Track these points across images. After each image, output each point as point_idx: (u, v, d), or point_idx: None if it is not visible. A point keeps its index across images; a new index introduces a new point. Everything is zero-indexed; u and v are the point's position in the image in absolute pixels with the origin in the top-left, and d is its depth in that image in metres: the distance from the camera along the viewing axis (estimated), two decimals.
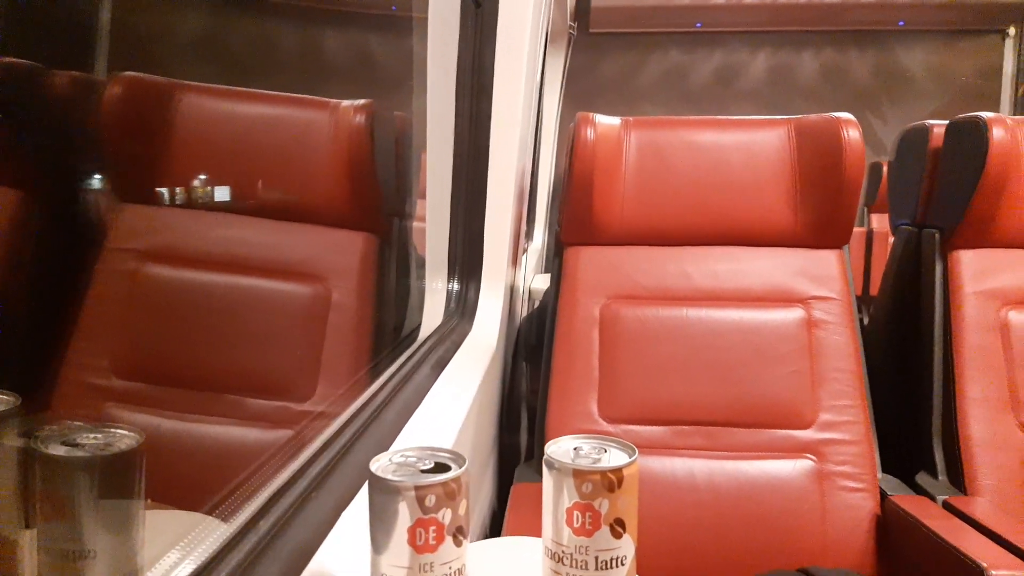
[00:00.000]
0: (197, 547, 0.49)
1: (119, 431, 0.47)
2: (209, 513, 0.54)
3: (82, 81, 0.90)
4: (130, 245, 1.13)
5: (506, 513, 1.15)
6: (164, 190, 1.17)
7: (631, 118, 1.49)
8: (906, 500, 1.23)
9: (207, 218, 1.23)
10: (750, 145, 1.45)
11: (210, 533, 0.50)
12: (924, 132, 1.55)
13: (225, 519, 0.53)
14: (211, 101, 1.24)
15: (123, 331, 1.10)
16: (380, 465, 0.47)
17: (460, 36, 1.36)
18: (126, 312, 1.13)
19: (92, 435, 0.46)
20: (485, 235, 1.43)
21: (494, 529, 1.33)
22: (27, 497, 0.46)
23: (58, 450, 0.45)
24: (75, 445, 0.45)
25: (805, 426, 1.30)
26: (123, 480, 0.46)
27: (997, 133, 1.35)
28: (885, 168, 3.94)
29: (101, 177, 1.01)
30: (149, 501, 0.47)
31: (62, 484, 0.45)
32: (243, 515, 0.53)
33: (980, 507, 1.22)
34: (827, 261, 1.41)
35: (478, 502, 1.22)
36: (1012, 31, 4.56)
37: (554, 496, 0.50)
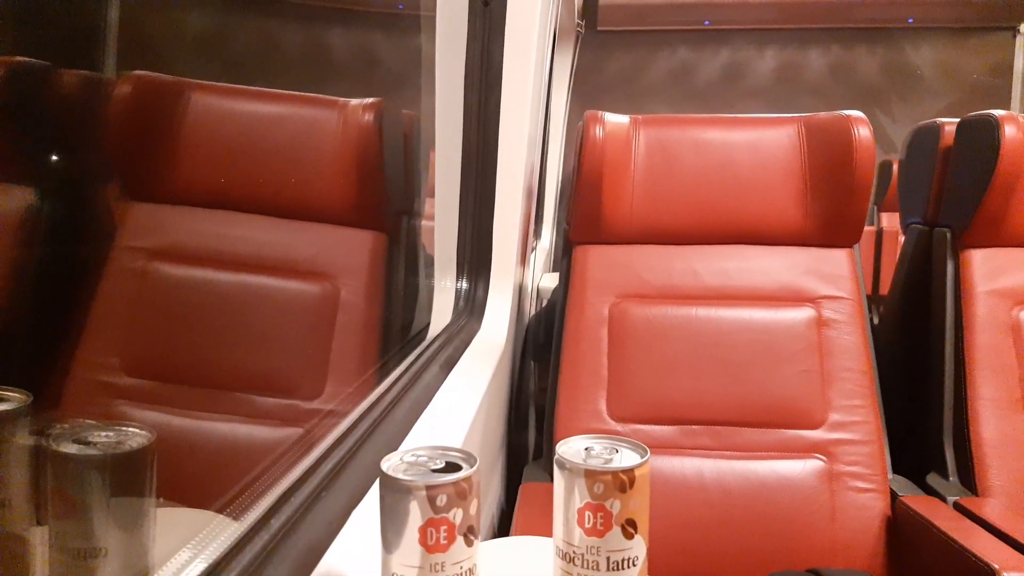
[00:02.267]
0: (208, 545, 0.49)
1: (131, 429, 0.47)
2: (220, 511, 0.54)
3: (92, 80, 0.90)
4: (140, 243, 1.14)
5: (515, 512, 1.15)
6: (173, 188, 1.17)
7: (640, 116, 1.49)
8: (917, 501, 1.22)
9: (216, 216, 1.23)
10: (759, 143, 1.44)
11: (221, 531, 0.50)
12: (935, 130, 1.54)
13: (236, 517, 0.53)
14: (220, 100, 1.24)
15: (133, 329, 1.10)
16: (391, 464, 0.47)
17: (468, 34, 1.36)
18: (136, 310, 1.13)
19: (104, 433, 0.46)
20: (494, 233, 1.43)
21: (502, 528, 1.33)
22: (39, 495, 0.46)
23: (70, 448, 0.45)
24: (87, 443, 0.45)
25: (815, 426, 1.29)
26: (135, 478, 0.46)
27: (1009, 131, 1.34)
28: (895, 166, 3.92)
29: (111, 175, 1.01)
30: (160, 499, 0.47)
31: (74, 482, 0.45)
32: (254, 513, 0.53)
33: (991, 508, 1.21)
34: (837, 260, 1.40)
35: (486, 501, 1.22)
36: (1022, 28, 4.53)
37: (565, 496, 0.49)
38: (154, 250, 1.14)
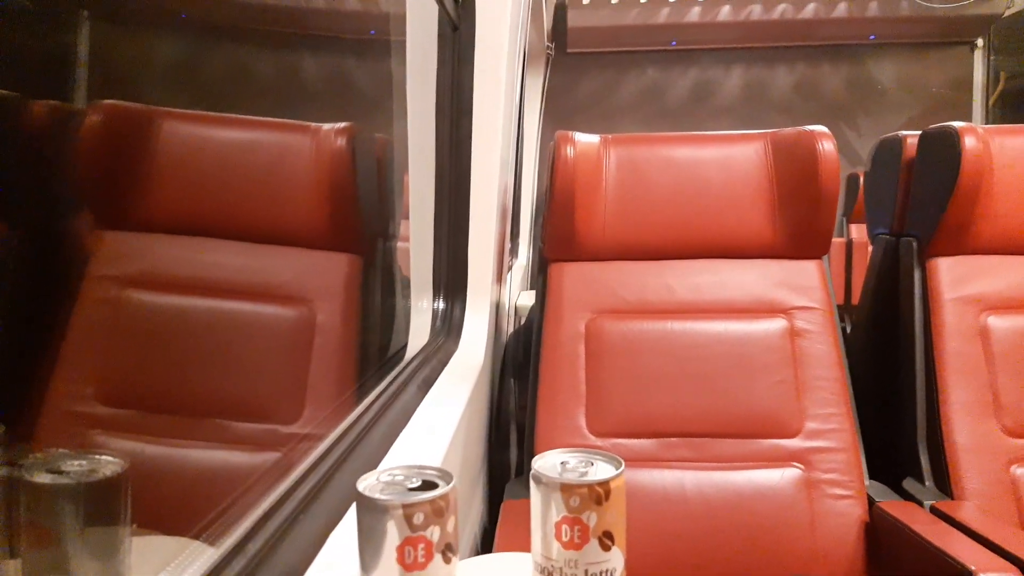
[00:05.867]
0: (184, 572, 0.48)
1: (104, 458, 0.47)
2: (196, 537, 0.54)
3: (61, 110, 0.90)
4: (113, 272, 1.13)
5: (497, 530, 1.15)
6: (146, 216, 1.17)
7: (610, 135, 1.51)
8: (894, 506, 1.24)
9: (190, 243, 1.23)
10: (728, 160, 1.47)
11: (197, 558, 0.50)
12: (898, 143, 1.58)
13: (212, 543, 0.53)
14: (191, 127, 1.24)
15: (107, 358, 1.09)
16: (367, 484, 0.47)
17: (438, 59, 1.38)
18: (110, 339, 1.12)
19: (77, 462, 0.46)
20: (469, 254, 1.44)
21: (485, 546, 1.32)
22: (12, 526, 0.46)
23: (43, 478, 0.44)
24: (60, 472, 0.45)
25: (792, 435, 1.31)
26: (108, 507, 0.46)
27: (969, 142, 1.38)
28: (862, 179, 3.99)
29: (82, 205, 1.01)
30: (135, 527, 0.46)
31: (47, 512, 0.44)
32: (230, 539, 0.53)
33: (967, 511, 1.23)
34: (807, 271, 1.43)
35: (468, 520, 1.22)
36: (980, 42, 4.66)
37: (542, 511, 0.50)
38: (128, 278, 1.13)
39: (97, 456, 0.47)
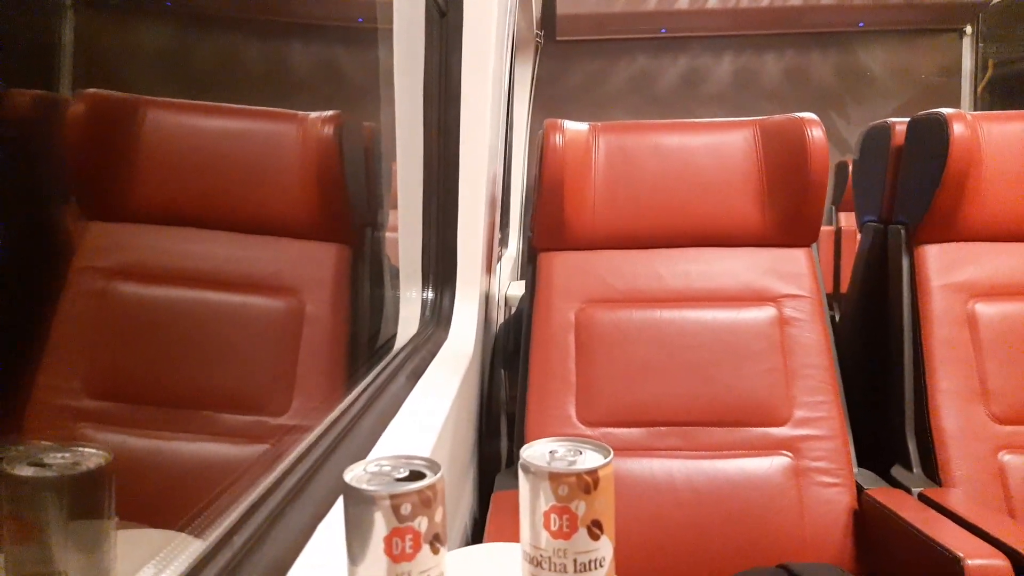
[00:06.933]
0: (169, 565, 0.48)
1: (87, 450, 0.46)
2: (182, 530, 0.53)
3: (45, 99, 0.89)
4: (98, 263, 1.12)
5: (487, 521, 1.15)
6: (132, 206, 1.16)
7: (599, 123, 1.50)
8: (882, 493, 1.24)
9: (176, 234, 1.22)
10: (717, 147, 1.46)
11: (183, 550, 0.50)
12: (886, 130, 1.57)
13: (198, 535, 0.52)
14: (176, 116, 1.23)
15: (94, 351, 1.08)
16: (355, 475, 0.47)
17: (426, 46, 1.37)
18: (96, 331, 1.11)
19: (60, 455, 0.46)
20: (458, 243, 1.43)
21: (476, 537, 1.32)
22: None
23: (25, 471, 0.44)
24: (42, 465, 0.45)
25: (781, 423, 1.31)
26: (92, 499, 0.45)
27: (957, 128, 1.38)
28: (851, 166, 4.00)
29: (67, 196, 1.00)
30: (119, 520, 0.46)
31: (30, 506, 0.44)
32: (217, 531, 0.53)
33: (955, 498, 1.24)
34: (796, 259, 1.43)
35: (459, 511, 1.22)
36: (968, 30, 4.67)
37: (531, 500, 0.50)
38: (114, 269, 1.12)
39: (81, 448, 0.46)
